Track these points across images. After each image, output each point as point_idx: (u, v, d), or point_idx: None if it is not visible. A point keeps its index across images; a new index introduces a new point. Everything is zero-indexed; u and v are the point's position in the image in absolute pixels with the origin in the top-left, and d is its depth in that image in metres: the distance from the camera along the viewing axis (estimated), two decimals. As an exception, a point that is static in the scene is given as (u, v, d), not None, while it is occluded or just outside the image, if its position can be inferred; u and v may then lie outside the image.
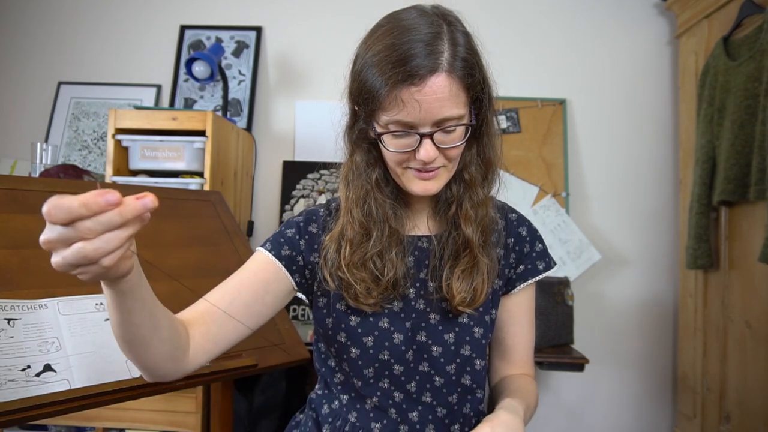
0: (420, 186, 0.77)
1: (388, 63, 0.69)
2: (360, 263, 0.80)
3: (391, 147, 0.74)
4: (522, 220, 0.91)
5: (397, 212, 0.83)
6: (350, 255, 0.80)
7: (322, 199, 2.16)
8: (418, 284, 0.84)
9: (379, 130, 0.74)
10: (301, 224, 0.87)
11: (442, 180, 0.78)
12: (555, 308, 1.77)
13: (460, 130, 0.74)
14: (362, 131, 0.80)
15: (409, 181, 0.78)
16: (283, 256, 0.84)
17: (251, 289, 0.81)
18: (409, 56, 0.68)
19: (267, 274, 0.83)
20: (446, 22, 0.72)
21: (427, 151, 0.72)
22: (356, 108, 0.79)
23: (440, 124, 0.72)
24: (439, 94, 0.69)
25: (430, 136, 0.72)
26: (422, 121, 0.71)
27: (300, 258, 0.85)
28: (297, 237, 0.86)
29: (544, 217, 2.07)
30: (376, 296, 0.80)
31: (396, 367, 0.82)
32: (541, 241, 0.91)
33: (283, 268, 0.83)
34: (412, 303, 0.84)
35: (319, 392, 0.91)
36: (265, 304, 0.82)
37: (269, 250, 0.85)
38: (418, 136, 0.72)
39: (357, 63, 0.75)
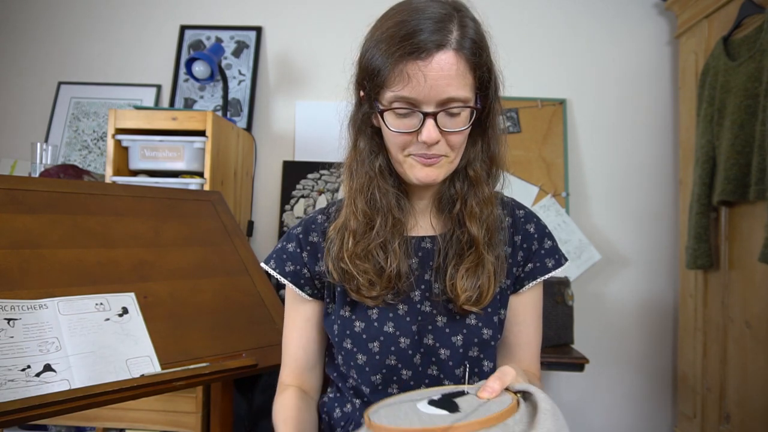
0: (422, 173, 0.75)
1: (395, 38, 0.69)
2: (363, 254, 0.79)
3: (394, 127, 0.73)
4: (530, 217, 0.88)
5: (401, 202, 0.82)
6: (353, 246, 0.79)
7: (322, 199, 2.16)
8: (423, 286, 0.83)
9: (382, 107, 0.73)
10: (301, 236, 0.87)
11: (443, 169, 0.77)
12: (555, 308, 1.77)
13: (465, 115, 0.73)
14: (366, 115, 0.79)
15: (410, 168, 0.76)
16: (288, 273, 0.86)
17: (304, 336, 0.90)
18: (417, 31, 0.68)
19: (304, 312, 0.88)
20: (456, 8, 0.73)
21: (429, 132, 0.71)
22: (361, 93, 0.78)
23: (444, 105, 0.71)
24: (445, 71, 0.69)
25: (434, 116, 0.71)
26: (427, 98, 0.70)
27: (305, 270, 0.85)
28: (299, 250, 0.86)
29: (544, 217, 2.07)
30: (379, 290, 0.79)
31: (404, 372, 0.81)
32: (551, 238, 0.88)
33: (295, 288, 0.86)
34: (418, 305, 0.82)
35: (331, 395, 0.91)
36: (321, 330, 0.90)
37: (274, 269, 0.87)
38: (421, 116, 0.71)
39: (364, 46, 0.75)
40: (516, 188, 2.09)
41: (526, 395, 0.64)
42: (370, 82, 0.73)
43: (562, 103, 2.15)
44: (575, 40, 2.18)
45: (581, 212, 2.13)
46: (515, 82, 2.19)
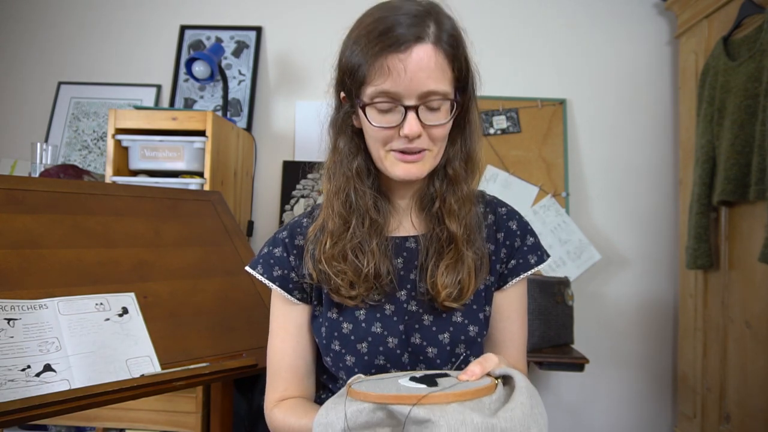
0: (403, 169, 0.76)
1: (374, 33, 0.71)
2: (340, 255, 0.80)
3: (375, 122, 0.74)
4: (512, 214, 0.89)
5: (378, 203, 0.82)
6: (330, 247, 0.80)
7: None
8: (408, 286, 0.83)
9: (363, 103, 0.75)
10: (287, 240, 0.87)
11: (426, 165, 0.77)
12: (555, 308, 1.77)
13: (445, 109, 0.75)
14: (347, 116, 0.80)
15: (392, 164, 0.77)
16: (275, 278, 0.86)
17: (300, 342, 0.87)
18: (396, 25, 0.71)
19: (295, 318, 0.87)
20: (431, 5, 0.75)
21: (411, 125, 0.72)
22: (342, 94, 0.80)
23: (425, 98, 0.72)
24: (424, 63, 0.71)
25: (415, 109, 0.72)
26: (407, 91, 0.71)
27: (293, 275, 0.85)
28: (285, 254, 0.86)
29: (544, 217, 2.07)
30: (358, 290, 0.79)
31: (393, 372, 0.81)
32: (533, 234, 0.89)
33: (284, 292, 0.85)
34: (405, 305, 0.83)
35: (323, 396, 0.91)
36: (313, 335, 0.87)
37: (261, 274, 0.87)
38: (402, 110, 0.72)
39: (343, 46, 0.78)
40: (516, 188, 2.09)
41: (507, 380, 0.65)
42: (350, 79, 0.75)
43: (562, 103, 2.15)
44: (575, 40, 2.18)
45: (581, 212, 2.13)
46: (515, 82, 2.21)
